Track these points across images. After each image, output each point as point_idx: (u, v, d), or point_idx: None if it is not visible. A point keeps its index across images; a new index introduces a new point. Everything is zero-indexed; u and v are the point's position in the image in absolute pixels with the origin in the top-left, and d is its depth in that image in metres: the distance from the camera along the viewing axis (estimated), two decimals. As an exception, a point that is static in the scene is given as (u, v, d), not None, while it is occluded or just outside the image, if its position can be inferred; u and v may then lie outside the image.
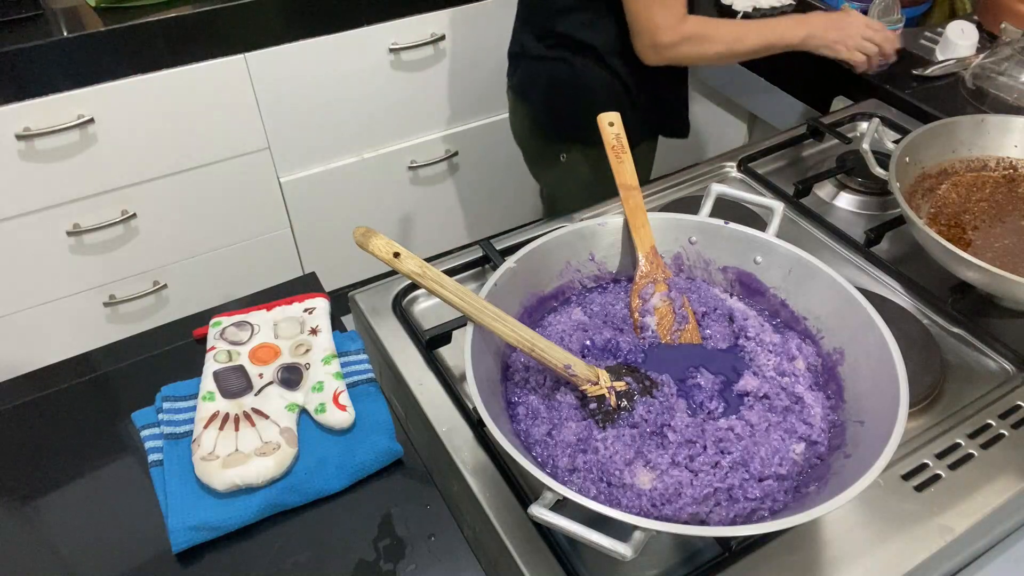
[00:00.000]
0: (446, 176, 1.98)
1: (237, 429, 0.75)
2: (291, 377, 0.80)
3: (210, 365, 0.81)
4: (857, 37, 1.21)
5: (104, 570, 0.69)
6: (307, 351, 0.83)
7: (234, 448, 0.73)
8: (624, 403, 0.71)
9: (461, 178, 2.00)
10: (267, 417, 0.76)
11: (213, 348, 0.83)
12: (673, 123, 1.41)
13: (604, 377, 0.72)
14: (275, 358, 0.82)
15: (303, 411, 0.78)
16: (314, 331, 0.85)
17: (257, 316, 0.88)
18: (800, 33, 1.21)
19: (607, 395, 0.71)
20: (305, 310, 0.88)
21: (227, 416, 0.76)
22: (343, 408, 0.77)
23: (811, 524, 0.71)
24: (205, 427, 0.75)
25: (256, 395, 0.79)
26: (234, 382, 0.79)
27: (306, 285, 0.94)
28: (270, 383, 0.80)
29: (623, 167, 0.84)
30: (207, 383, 0.79)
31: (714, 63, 1.25)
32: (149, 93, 1.51)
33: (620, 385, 0.72)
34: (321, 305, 0.89)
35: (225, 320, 0.87)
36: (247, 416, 0.76)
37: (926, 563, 0.70)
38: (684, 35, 1.16)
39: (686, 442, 0.69)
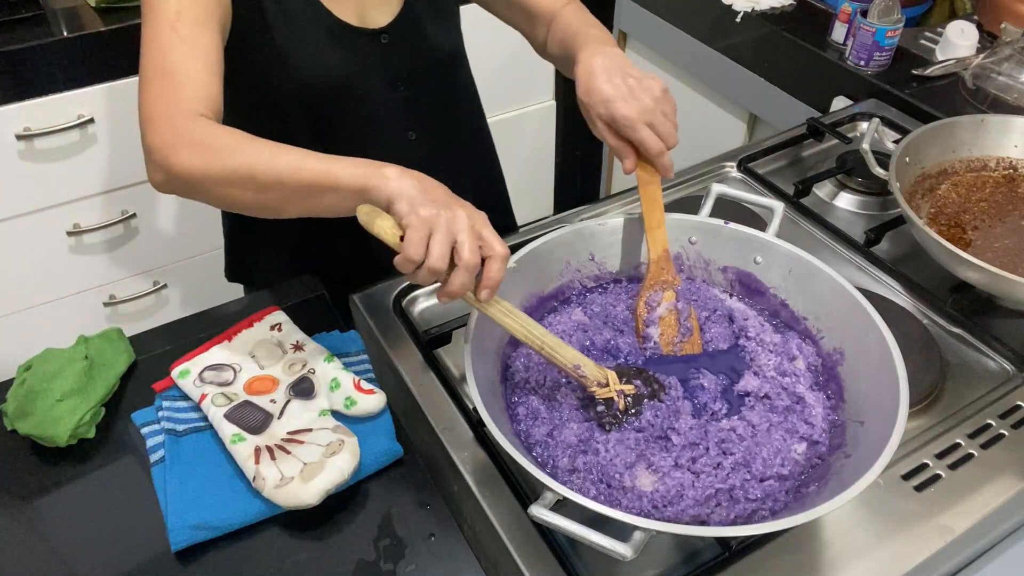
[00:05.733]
0: (446, 176, 1.98)
1: (288, 452, 0.72)
2: (305, 387, 0.78)
3: (214, 412, 0.76)
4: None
5: (104, 570, 0.69)
6: (304, 365, 0.81)
7: (301, 464, 0.70)
8: (633, 408, 0.71)
9: (461, 178, 2.00)
10: (309, 431, 0.74)
11: (204, 396, 0.77)
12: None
13: (613, 379, 0.71)
14: (275, 385, 0.79)
15: (333, 413, 0.77)
16: (297, 346, 0.83)
17: (221, 353, 0.82)
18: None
19: (616, 399, 0.71)
20: (272, 327, 0.84)
21: (269, 448, 0.72)
22: (371, 392, 0.76)
23: (811, 524, 0.71)
24: (256, 463, 0.71)
25: (280, 418, 0.76)
26: (251, 418, 0.75)
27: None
28: (288, 402, 0.77)
29: (646, 161, 0.79)
30: (225, 428, 0.74)
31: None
32: (149, 93, 1.51)
33: (629, 389, 0.71)
34: (284, 318, 0.85)
35: (190, 366, 0.81)
36: (287, 440, 0.73)
37: (926, 563, 0.70)
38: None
39: (689, 444, 0.69)
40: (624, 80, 0.77)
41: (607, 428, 0.70)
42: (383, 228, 0.62)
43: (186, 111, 0.73)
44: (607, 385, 0.71)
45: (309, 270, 1.00)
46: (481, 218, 0.67)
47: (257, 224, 1.00)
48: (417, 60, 0.97)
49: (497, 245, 0.66)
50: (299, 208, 0.72)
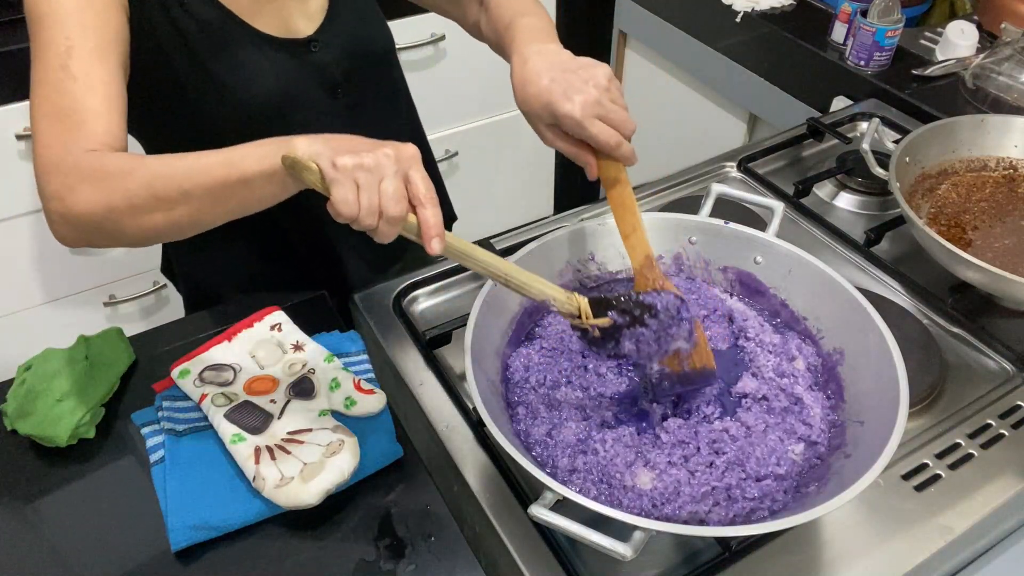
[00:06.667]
0: (446, 176, 1.97)
1: (288, 452, 0.71)
2: (305, 387, 0.78)
3: (214, 412, 0.75)
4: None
5: (104, 570, 0.69)
6: (303, 365, 0.80)
7: (301, 464, 0.70)
8: (613, 334, 0.68)
9: (461, 178, 2.00)
10: (309, 431, 0.73)
11: (204, 396, 0.77)
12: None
13: (585, 311, 0.67)
14: (275, 385, 0.78)
15: (333, 413, 0.76)
16: (297, 346, 0.83)
17: (221, 353, 0.82)
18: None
19: (590, 331, 0.68)
20: (272, 327, 0.84)
21: (269, 448, 0.72)
22: (371, 392, 0.76)
23: (811, 524, 0.71)
24: (256, 463, 0.71)
25: (280, 418, 0.75)
26: (251, 418, 0.75)
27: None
28: (288, 401, 0.77)
29: (607, 159, 0.73)
30: (225, 428, 0.73)
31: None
32: (149, 93, 1.51)
33: (603, 322, 0.68)
34: (284, 318, 0.85)
35: (190, 366, 0.80)
36: (287, 441, 0.73)
37: (926, 563, 0.70)
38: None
39: (679, 443, 0.69)
40: (562, 74, 0.70)
41: (590, 346, 0.68)
42: (312, 183, 0.58)
43: (81, 150, 0.67)
44: (580, 316, 0.67)
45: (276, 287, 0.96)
46: (408, 155, 0.60)
47: (214, 258, 0.99)
48: (352, 63, 0.91)
49: (421, 189, 0.59)
50: (220, 214, 0.65)
